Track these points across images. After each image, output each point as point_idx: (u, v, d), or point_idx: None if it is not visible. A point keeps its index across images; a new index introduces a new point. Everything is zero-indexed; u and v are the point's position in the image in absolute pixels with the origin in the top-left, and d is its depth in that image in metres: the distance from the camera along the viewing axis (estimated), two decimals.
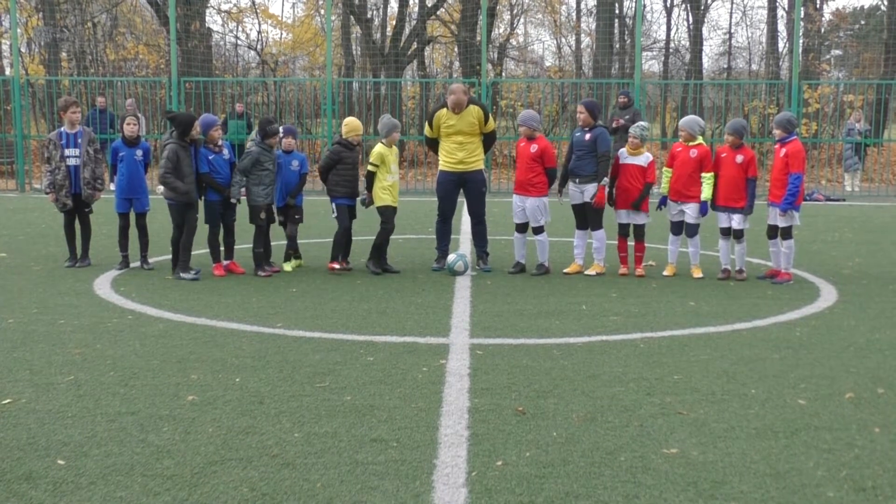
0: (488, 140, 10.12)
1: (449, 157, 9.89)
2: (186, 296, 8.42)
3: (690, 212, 9.54)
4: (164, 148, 9.15)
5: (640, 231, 9.65)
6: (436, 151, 10.25)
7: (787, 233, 9.31)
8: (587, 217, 9.61)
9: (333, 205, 9.61)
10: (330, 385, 5.57)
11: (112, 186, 10.96)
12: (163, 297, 8.38)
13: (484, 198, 10.02)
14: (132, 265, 10.01)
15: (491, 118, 10.04)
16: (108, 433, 4.71)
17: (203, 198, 9.46)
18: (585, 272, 9.48)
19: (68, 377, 5.71)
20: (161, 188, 9.27)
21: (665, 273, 9.73)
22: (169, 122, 9.22)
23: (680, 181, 9.56)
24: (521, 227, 9.81)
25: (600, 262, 9.67)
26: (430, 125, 10.01)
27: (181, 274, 9.15)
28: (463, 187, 9.92)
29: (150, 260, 10.10)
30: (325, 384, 5.59)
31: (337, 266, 9.55)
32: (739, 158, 9.38)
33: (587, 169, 9.48)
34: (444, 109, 9.87)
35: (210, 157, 9.39)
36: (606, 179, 9.43)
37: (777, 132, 9.34)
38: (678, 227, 9.69)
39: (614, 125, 17.34)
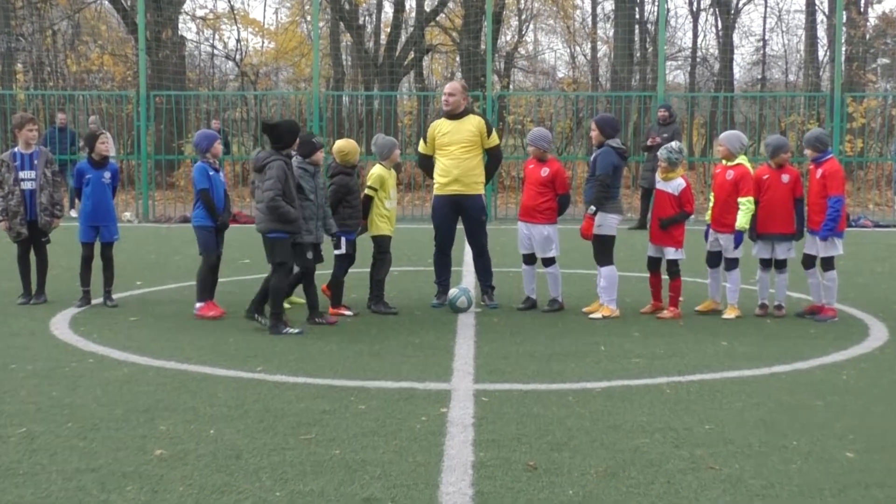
0: (493, 159, 10.13)
1: (443, 176, 9.86)
2: (155, 337, 8.40)
3: (725, 243, 9.50)
4: (265, 164, 8.53)
5: (671, 268, 9.46)
6: (430, 174, 10.29)
7: (828, 263, 9.29)
8: (595, 249, 9.56)
9: (343, 240, 9.44)
10: (316, 437, 5.55)
11: (73, 213, 10.98)
12: (128, 337, 8.37)
13: (484, 227, 10.03)
14: (94, 302, 10.01)
15: (494, 131, 10.07)
16: (64, 493, 4.68)
17: (195, 222, 9.39)
18: (590, 316, 9.41)
19: (20, 429, 5.69)
20: (260, 215, 8.60)
21: (698, 308, 9.70)
22: (269, 133, 8.65)
23: (716, 207, 9.57)
24: (529, 259, 9.82)
25: (608, 303, 9.43)
26: (425, 138, 10.06)
27: (287, 329, 8.53)
28: (460, 214, 9.93)
29: (115, 296, 10.10)
30: (311, 436, 5.56)
31: (348, 312, 9.42)
32: (785, 178, 9.39)
33: (588, 194, 9.49)
34: (441, 119, 9.91)
35: (211, 174, 9.38)
36: (593, 207, 9.22)
37: (808, 152, 9.37)
38: (715, 259, 9.64)
39: (649, 143, 17.28)
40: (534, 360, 7.55)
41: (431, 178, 10.23)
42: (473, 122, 9.84)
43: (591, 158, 9.57)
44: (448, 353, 7.79)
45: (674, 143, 9.57)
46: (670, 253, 9.47)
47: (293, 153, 8.88)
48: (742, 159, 9.47)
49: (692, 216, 9.67)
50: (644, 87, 27.95)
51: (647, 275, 9.79)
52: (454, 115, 9.83)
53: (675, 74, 38.64)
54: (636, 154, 20.69)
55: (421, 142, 10.19)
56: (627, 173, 22.63)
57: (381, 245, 9.66)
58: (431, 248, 10.21)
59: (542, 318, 9.44)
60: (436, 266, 10.15)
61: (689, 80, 35.51)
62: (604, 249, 9.43)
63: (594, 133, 9.53)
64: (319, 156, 9.13)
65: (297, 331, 8.51)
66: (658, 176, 9.60)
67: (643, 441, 5.52)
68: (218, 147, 9.45)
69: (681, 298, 9.73)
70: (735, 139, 9.50)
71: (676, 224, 9.44)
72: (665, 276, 9.58)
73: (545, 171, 9.60)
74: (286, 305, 9.68)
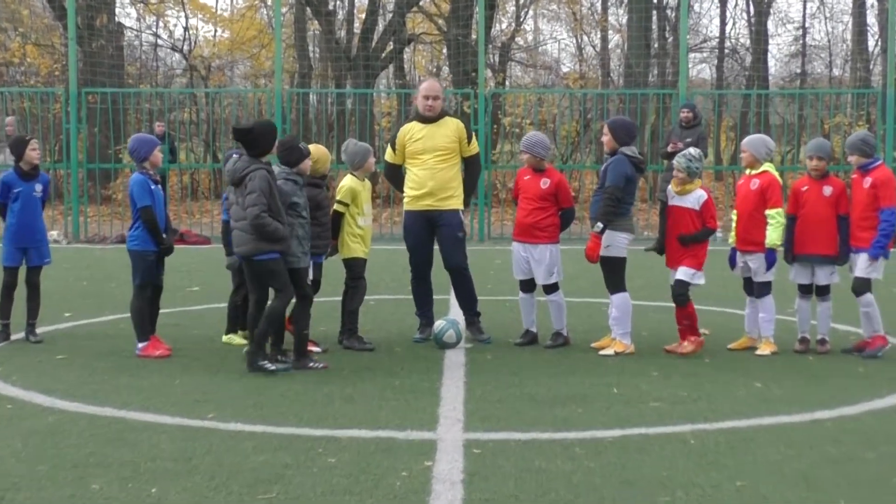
0: (472, 171, 10.14)
1: (414, 189, 9.88)
2: (86, 378, 8.37)
3: (754, 265, 9.50)
4: (244, 176, 8.45)
5: (678, 290, 9.31)
6: (398, 187, 10.29)
7: (863, 286, 9.21)
8: (604, 274, 9.56)
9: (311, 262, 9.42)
10: (278, 496, 5.53)
11: None
12: (55, 379, 8.33)
13: (463, 244, 10.05)
14: (14, 337, 9.98)
15: (474, 138, 10.12)
16: None
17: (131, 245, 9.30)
18: (600, 352, 9.40)
19: None
20: (242, 235, 8.50)
21: (731, 347, 9.70)
22: (243, 139, 8.56)
23: (741, 224, 9.59)
24: (527, 285, 9.84)
25: (621, 338, 9.44)
26: (393, 145, 10.05)
27: (269, 365, 8.50)
28: (435, 234, 9.94)
29: (39, 330, 10.07)
30: (272, 495, 5.54)
31: (316, 348, 9.37)
32: (827, 190, 9.42)
33: (596, 209, 9.45)
34: (412, 122, 9.94)
35: (152, 188, 9.31)
36: (600, 224, 9.21)
37: (853, 158, 9.43)
38: (750, 286, 9.70)
39: (669, 149, 17.36)
40: (534, 404, 7.55)
41: (400, 191, 10.26)
42: (451, 127, 9.88)
43: (602, 168, 9.61)
44: (433, 396, 7.78)
45: (692, 150, 9.47)
46: (681, 272, 9.31)
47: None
48: (768, 166, 9.52)
49: (717, 233, 9.63)
50: (663, 84, 28.07)
51: (666, 304, 9.76)
52: (428, 119, 9.88)
53: (700, 69, 38.88)
54: (654, 162, 20.78)
55: (388, 149, 10.20)
56: (644, 184, 22.70)
57: (354, 269, 9.66)
58: (405, 274, 10.22)
59: (544, 355, 9.45)
60: (415, 295, 10.16)
61: (716, 75, 35.70)
62: (614, 274, 9.44)
63: (606, 138, 9.56)
64: (307, 165, 9.06)
65: (283, 367, 8.53)
66: (672, 189, 9.51)
67: (663, 500, 5.52)
68: (158, 155, 9.37)
69: (704, 331, 9.74)
70: (760, 144, 9.56)
71: (698, 243, 9.41)
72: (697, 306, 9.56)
73: (545, 183, 9.62)
74: (243, 342, 9.67)
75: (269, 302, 8.67)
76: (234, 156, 8.95)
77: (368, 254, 9.80)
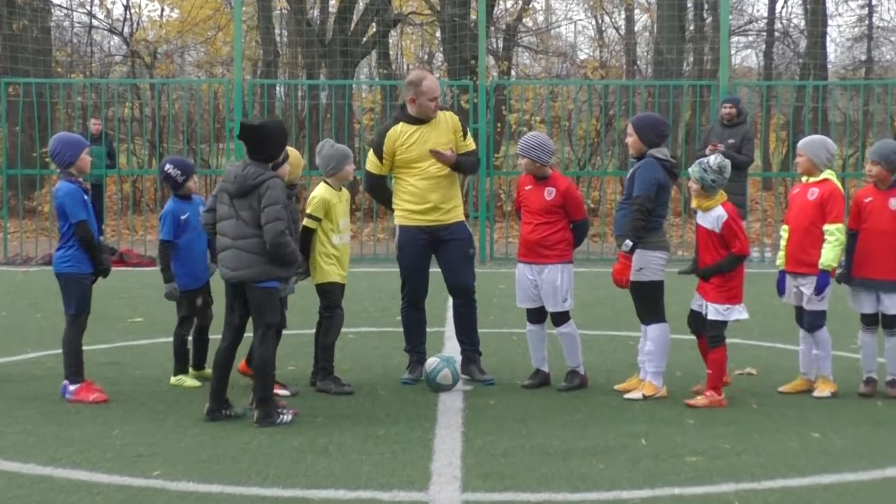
0: (469, 163, 10.13)
1: (414, 203, 9.88)
2: (5, 428, 8.36)
3: (808, 290, 9.47)
4: (256, 184, 8.38)
5: (712, 331, 9.23)
6: (384, 202, 10.29)
7: None
8: (636, 301, 9.60)
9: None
10: None
11: None
12: None
13: (472, 264, 10.11)
14: None
15: (469, 133, 10.17)
16: None
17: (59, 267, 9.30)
18: (626, 396, 9.41)
19: None
20: (250, 257, 8.42)
21: (782, 390, 9.71)
22: (252, 138, 8.47)
23: (794, 240, 9.64)
24: (536, 316, 9.84)
25: (653, 378, 9.44)
26: (379, 154, 9.92)
27: (271, 419, 8.45)
28: (436, 251, 9.98)
29: None
30: None
31: (286, 392, 9.39)
32: (894, 203, 9.50)
33: (622, 224, 9.46)
34: (400, 124, 9.90)
35: (85, 199, 9.28)
36: (629, 242, 9.17)
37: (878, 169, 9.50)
38: (803, 316, 9.66)
39: (708, 151, 17.43)
40: (546, 459, 7.56)
41: (388, 207, 10.22)
42: (445, 124, 9.88)
43: (628, 175, 9.64)
44: (425, 449, 7.79)
45: (712, 159, 9.27)
46: (713, 310, 9.22)
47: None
48: (829, 174, 9.55)
49: (747, 257, 9.47)
50: (700, 74, 28.16)
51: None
52: (421, 119, 9.83)
53: (745, 55, 39.00)
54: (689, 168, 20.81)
55: (371, 157, 10.02)
56: (677, 194, 22.74)
57: (329, 297, 9.69)
58: (398, 300, 10.23)
59: (558, 399, 9.45)
60: (406, 327, 10.16)
61: (763, 62, 35.78)
62: (648, 301, 9.45)
63: (631, 139, 9.59)
64: (286, 170, 9.07)
65: (289, 417, 8.54)
66: (692, 204, 9.48)
67: None
68: (86, 159, 9.34)
69: (750, 371, 9.75)
70: (820, 147, 9.59)
71: (723, 273, 9.24)
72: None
73: (550, 193, 9.62)
74: (195, 383, 9.68)
75: (255, 348, 8.63)
76: (228, 164, 8.95)
77: (346, 278, 9.81)
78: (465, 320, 10.10)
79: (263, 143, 8.51)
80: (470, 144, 10.07)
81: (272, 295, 8.54)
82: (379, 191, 10.35)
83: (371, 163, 10.05)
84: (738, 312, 9.26)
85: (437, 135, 9.82)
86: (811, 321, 9.49)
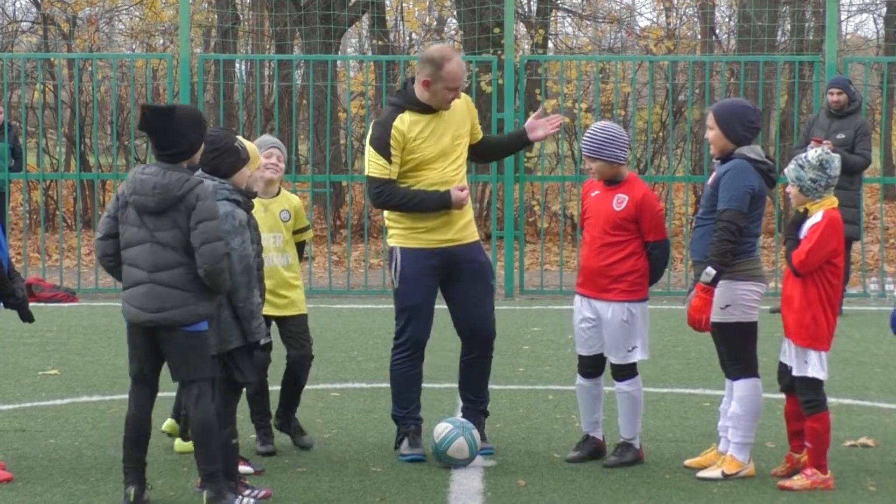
0: (483, 151, 10.38)
1: (422, 217, 9.87)
2: None
3: None
4: (186, 193, 8.33)
5: (806, 392, 9.20)
6: (411, 207, 10.33)
7: None
8: (720, 349, 9.61)
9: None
10: None
11: None
12: None
13: (492, 296, 10.22)
14: None
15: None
16: None
17: None
18: (700, 475, 9.39)
19: None
20: (177, 294, 8.38)
21: None
22: (159, 126, 8.42)
23: None
24: (592, 365, 9.88)
25: (737, 450, 9.41)
26: (386, 152, 9.82)
27: (223, 499, 8.34)
28: (446, 282, 10.00)
29: None
30: None
31: (247, 469, 9.43)
32: None
33: (702, 246, 9.40)
34: (406, 113, 9.86)
35: None
36: (711, 270, 9.06)
37: None
38: None
39: (810, 149, 17.56)
40: None
41: (415, 209, 9.97)
42: (459, 109, 9.94)
43: (710, 181, 9.61)
44: None
45: (811, 153, 9.36)
46: (803, 365, 9.14)
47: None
48: None
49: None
50: (799, 48, 28.26)
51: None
52: (433, 107, 9.81)
53: (860, 22, 39.16)
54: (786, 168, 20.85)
55: (374, 159, 9.89)
56: (769, 206, 22.73)
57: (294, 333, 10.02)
58: (388, 348, 10.24)
59: (609, 478, 9.43)
60: (400, 383, 10.10)
61: (883, 33, 35.89)
62: (736, 348, 9.44)
63: (712, 133, 9.57)
64: (244, 174, 8.98)
65: (262, 493, 8.61)
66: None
67: None
68: None
69: (867, 442, 9.73)
70: None
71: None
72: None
73: (621, 202, 9.59)
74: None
75: (190, 411, 8.61)
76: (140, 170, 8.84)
77: (304, 307, 10.15)
78: (481, 372, 10.15)
79: (176, 135, 8.40)
80: (478, 132, 10.21)
81: (204, 340, 8.45)
82: (393, 196, 9.89)
83: (375, 166, 9.88)
84: (814, 365, 9.09)
85: (455, 125, 9.83)
86: None
